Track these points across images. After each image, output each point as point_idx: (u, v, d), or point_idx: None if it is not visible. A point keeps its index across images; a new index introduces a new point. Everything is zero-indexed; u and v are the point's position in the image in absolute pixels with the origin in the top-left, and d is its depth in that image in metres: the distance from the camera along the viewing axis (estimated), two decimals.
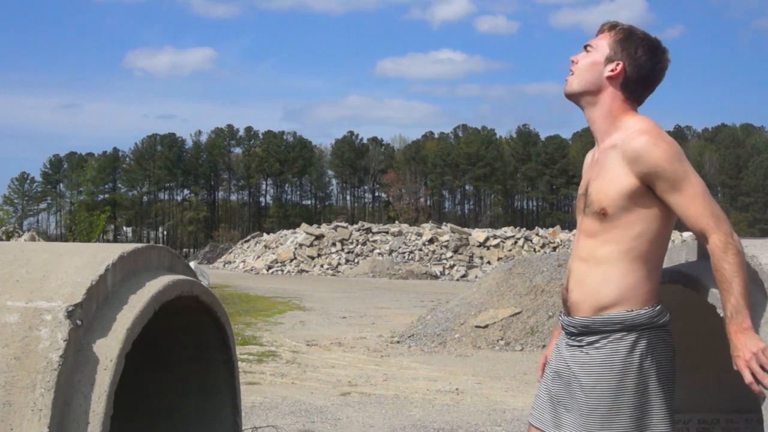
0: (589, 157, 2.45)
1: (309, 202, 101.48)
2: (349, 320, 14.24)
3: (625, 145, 2.19)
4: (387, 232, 37.49)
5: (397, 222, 50.06)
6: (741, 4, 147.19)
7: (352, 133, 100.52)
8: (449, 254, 34.62)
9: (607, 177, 2.22)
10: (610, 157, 2.24)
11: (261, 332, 12.18)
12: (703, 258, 2.50)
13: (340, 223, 40.98)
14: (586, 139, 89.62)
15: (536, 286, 11.38)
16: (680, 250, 2.66)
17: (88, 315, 2.16)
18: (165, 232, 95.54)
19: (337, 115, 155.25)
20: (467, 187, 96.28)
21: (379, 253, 35.13)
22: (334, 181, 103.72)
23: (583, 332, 2.26)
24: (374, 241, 36.50)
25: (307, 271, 34.08)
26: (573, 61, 2.36)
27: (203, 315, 2.84)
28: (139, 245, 2.49)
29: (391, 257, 34.23)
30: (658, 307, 2.23)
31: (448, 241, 35.41)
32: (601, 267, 2.23)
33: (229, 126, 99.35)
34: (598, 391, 2.20)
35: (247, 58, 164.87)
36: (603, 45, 2.32)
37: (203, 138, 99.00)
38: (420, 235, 36.71)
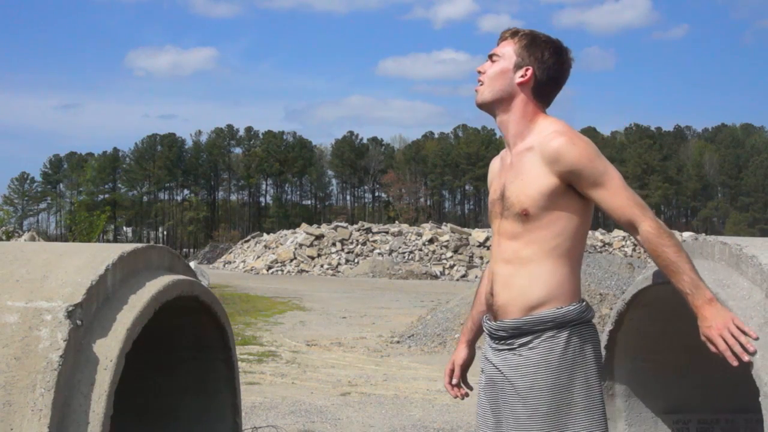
0: (497, 163, 2.49)
1: (309, 202, 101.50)
2: (349, 320, 14.24)
3: (543, 147, 2.23)
4: (387, 232, 37.48)
5: (397, 222, 50.04)
6: (746, 4, 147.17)
7: (352, 133, 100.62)
8: (449, 254, 34.61)
9: (526, 179, 2.26)
10: (526, 160, 2.28)
11: (261, 332, 12.18)
12: (701, 258, 2.50)
13: (340, 223, 40.97)
14: None
15: None
16: None
17: (88, 315, 2.16)
18: (165, 232, 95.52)
19: (339, 115, 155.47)
20: (467, 187, 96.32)
21: (379, 253, 35.12)
22: (334, 181, 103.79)
23: (514, 335, 2.27)
24: (374, 241, 36.49)
25: (307, 271, 34.08)
26: (480, 72, 2.40)
27: (203, 315, 2.84)
28: (139, 245, 2.49)
29: (391, 257, 34.22)
30: (584, 303, 2.29)
31: (448, 241, 35.40)
32: (526, 267, 2.26)
33: (229, 126, 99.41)
34: (536, 392, 2.20)
35: (248, 58, 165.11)
36: (509, 52, 2.36)
37: (203, 138, 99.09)
38: (420, 235, 36.69)
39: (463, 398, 2.63)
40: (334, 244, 35.89)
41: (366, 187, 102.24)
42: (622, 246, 37.57)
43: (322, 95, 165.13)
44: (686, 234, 41.50)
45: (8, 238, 21.42)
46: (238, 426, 3.02)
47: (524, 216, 2.24)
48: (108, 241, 71.38)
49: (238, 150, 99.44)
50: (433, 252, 34.89)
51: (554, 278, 2.24)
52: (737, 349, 2.03)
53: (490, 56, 2.40)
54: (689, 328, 2.76)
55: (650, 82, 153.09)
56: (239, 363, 3.88)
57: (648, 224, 2.16)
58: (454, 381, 2.61)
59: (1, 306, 2.15)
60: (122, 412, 2.44)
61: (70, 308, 2.10)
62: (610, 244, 38.73)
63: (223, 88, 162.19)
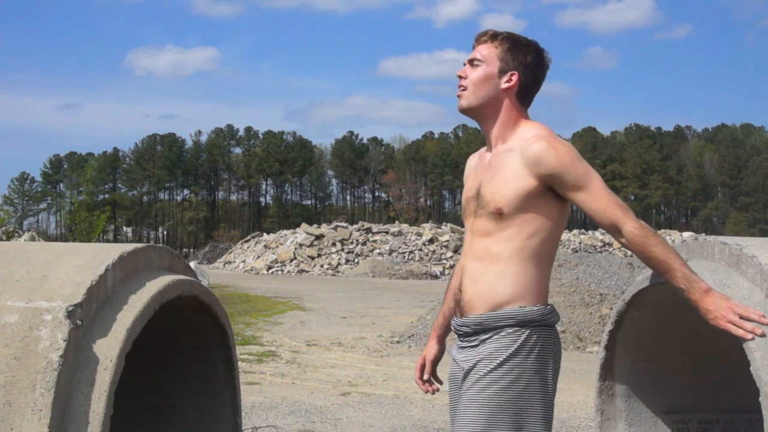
0: (474, 161, 2.50)
1: (309, 202, 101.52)
2: (349, 320, 14.24)
3: (525, 149, 2.24)
4: (387, 232, 37.49)
5: (397, 222, 50.06)
6: (749, 4, 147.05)
7: (352, 133, 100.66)
8: (449, 254, 34.61)
9: (503, 179, 2.27)
10: (505, 160, 2.29)
11: (261, 332, 12.18)
12: (701, 258, 2.50)
13: (340, 223, 40.97)
14: (585, 140, 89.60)
15: None
16: (680, 250, 2.66)
17: (88, 315, 2.16)
18: (165, 232, 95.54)
19: (340, 115, 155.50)
20: None
21: (379, 253, 35.12)
22: (334, 181, 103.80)
23: (477, 330, 2.28)
24: (374, 241, 36.49)
25: (307, 271, 34.07)
26: (461, 77, 2.38)
27: (203, 315, 2.83)
28: (139, 245, 2.49)
29: (391, 257, 34.22)
30: (549, 307, 2.29)
31: (448, 241, 35.41)
32: (496, 265, 2.27)
33: (229, 126, 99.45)
34: (484, 383, 2.21)
35: (249, 58, 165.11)
36: (491, 57, 2.34)
37: (203, 138, 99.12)
38: (420, 235, 36.70)
39: (433, 393, 2.66)
40: (334, 244, 35.89)
41: (366, 187, 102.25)
42: (622, 246, 37.53)
43: (322, 95, 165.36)
44: (686, 234, 41.52)
45: (8, 238, 21.43)
46: (238, 426, 3.02)
47: (498, 215, 2.25)
48: (108, 241, 71.37)
49: (238, 150, 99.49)
50: (433, 252, 34.89)
51: (522, 278, 2.25)
52: (748, 326, 2.06)
53: (471, 61, 2.37)
54: (689, 328, 2.76)
55: (651, 82, 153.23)
56: (239, 363, 3.88)
57: (632, 225, 2.17)
58: (425, 376, 2.64)
59: (1, 306, 2.15)
60: (122, 412, 2.44)
61: (70, 308, 2.10)
62: (610, 244, 38.75)
63: (224, 88, 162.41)
